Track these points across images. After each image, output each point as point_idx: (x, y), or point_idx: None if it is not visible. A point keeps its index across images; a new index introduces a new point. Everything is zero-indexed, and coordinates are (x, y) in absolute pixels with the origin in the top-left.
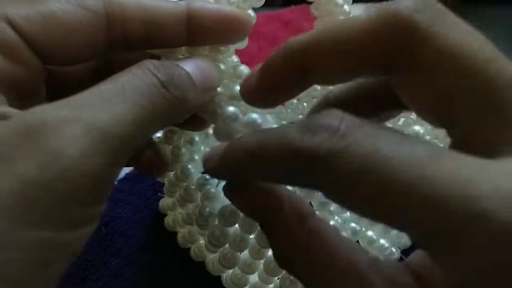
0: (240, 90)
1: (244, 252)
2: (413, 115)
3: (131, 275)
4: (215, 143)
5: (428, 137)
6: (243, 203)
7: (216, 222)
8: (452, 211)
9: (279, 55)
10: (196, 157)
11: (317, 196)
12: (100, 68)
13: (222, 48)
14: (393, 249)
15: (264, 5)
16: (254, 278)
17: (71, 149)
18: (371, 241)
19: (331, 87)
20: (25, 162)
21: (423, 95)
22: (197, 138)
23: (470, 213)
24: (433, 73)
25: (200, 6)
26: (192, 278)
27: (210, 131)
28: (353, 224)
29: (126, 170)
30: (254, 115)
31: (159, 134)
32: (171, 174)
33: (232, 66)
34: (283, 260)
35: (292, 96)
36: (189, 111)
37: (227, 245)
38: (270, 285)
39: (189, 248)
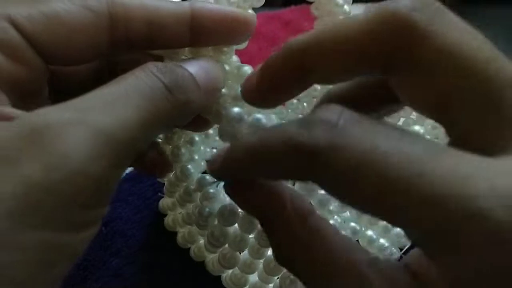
0: (241, 91)
1: (244, 252)
2: (413, 115)
3: (131, 275)
4: (215, 143)
5: (428, 137)
6: (245, 202)
7: (216, 222)
8: (451, 210)
9: (279, 55)
10: (196, 157)
11: (317, 195)
12: (102, 69)
13: (225, 49)
14: (393, 249)
15: (264, 5)
16: (254, 278)
17: (76, 152)
18: (371, 240)
19: (331, 86)
20: (30, 165)
21: (422, 95)
22: (197, 138)
23: (468, 212)
24: (432, 72)
25: (204, 7)
26: (192, 278)
27: (210, 131)
28: (352, 224)
29: (126, 170)
30: (259, 116)
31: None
32: (171, 174)
33: (236, 67)
34: (283, 259)
35: (293, 96)
36: (193, 113)
37: (226, 245)
38: (270, 285)
39: (189, 248)
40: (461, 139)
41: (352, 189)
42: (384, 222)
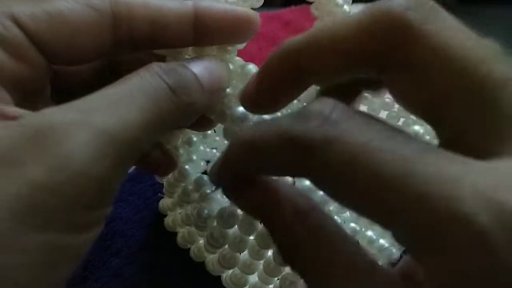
0: (241, 98)
1: (244, 253)
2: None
3: (131, 275)
4: (214, 143)
5: (428, 137)
6: (243, 202)
7: (215, 223)
8: (438, 212)
9: (275, 56)
10: (194, 158)
11: (316, 195)
12: (104, 68)
13: (229, 48)
14: (393, 249)
15: (264, 5)
16: (254, 278)
17: (79, 153)
18: (370, 241)
19: None
20: (33, 166)
21: (416, 94)
22: (195, 139)
23: (454, 215)
24: (426, 72)
25: (207, 5)
26: (192, 278)
27: (209, 131)
28: (352, 224)
29: None
30: (266, 116)
31: None
32: (170, 174)
33: (240, 66)
34: (284, 256)
35: (293, 98)
36: (197, 113)
37: (226, 246)
38: (270, 286)
39: (189, 249)
40: (451, 140)
41: (344, 184)
42: None
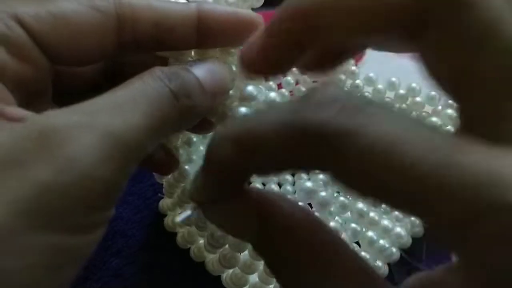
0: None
1: (244, 252)
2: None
3: (131, 275)
4: None
5: None
6: (228, 216)
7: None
8: (482, 201)
9: (289, 8)
10: (194, 158)
11: (317, 197)
12: (107, 70)
13: (232, 50)
14: (393, 250)
15: (264, 5)
16: (254, 278)
17: (86, 155)
18: (371, 241)
19: None
20: (41, 167)
21: (449, 66)
22: (195, 139)
23: (500, 203)
24: (467, 42)
25: (211, 8)
26: (192, 278)
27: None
28: (353, 225)
29: None
30: None
31: None
32: (170, 175)
33: None
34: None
35: (295, 62)
36: (198, 117)
37: (226, 246)
38: (270, 286)
39: (189, 248)
40: (476, 123)
41: (375, 177)
42: (385, 223)
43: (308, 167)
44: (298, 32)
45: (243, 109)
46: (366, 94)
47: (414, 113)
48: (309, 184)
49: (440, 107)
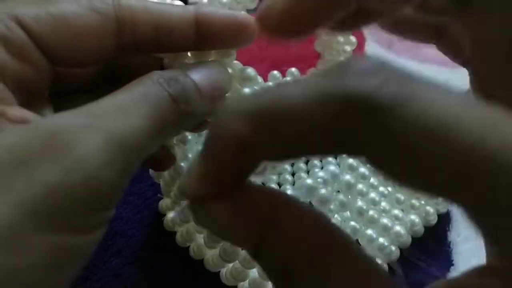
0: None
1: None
2: None
3: (131, 275)
4: None
5: None
6: (228, 216)
7: None
8: None
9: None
10: (190, 156)
11: (317, 194)
12: (104, 70)
13: (228, 52)
14: (393, 248)
15: None
16: (253, 273)
17: (92, 157)
18: (370, 239)
19: None
20: (48, 169)
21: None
22: (189, 137)
23: None
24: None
25: (208, 11)
26: (192, 278)
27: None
28: (352, 223)
29: None
30: None
31: None
32: (166, 174)
33: (240, 70)
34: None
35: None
36: (196, 121)
37: None
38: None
39: (189, 247)
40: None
41: (420, 153)
42: (384, 221)
43: (338, 147)
44: None
45: None
46: None
47: None
48: (309, 181)
49: None
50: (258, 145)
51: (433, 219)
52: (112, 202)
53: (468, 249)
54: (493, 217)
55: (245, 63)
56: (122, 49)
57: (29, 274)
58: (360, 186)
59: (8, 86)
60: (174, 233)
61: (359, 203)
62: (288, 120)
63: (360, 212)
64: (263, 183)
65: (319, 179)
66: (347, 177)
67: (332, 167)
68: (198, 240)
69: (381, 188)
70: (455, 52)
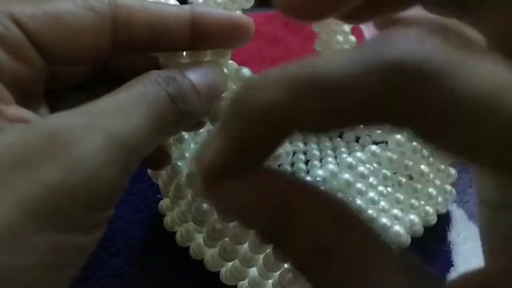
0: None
1: (244, 246)
2: None
3: (131, 275)
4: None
5: None
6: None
7: (214, 217)
8: None
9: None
10: (187, 155)
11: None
12: (97, 68)
13: (223, 52)
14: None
15: (264, 5)
16: (253, 272)
17: (92, 157)
18: None
19: None
20: (48, 168)
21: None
22: (186, 136)
23: None
24: None
25: (204, 11)
26: (192, 278)
27: (201, 129)
28: None
29: None
30: None
31: None
32: (164, 173)
33: (235, 69)
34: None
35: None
36: (193, 121)
37: (226, 238)
38: (269, 281)
39: (189, 247)
40: None
41: (484, 122)
42: (383, 221)
43: (382, 117)
44: None
45: None
46: None
47: None
48: (308, 179)
49: None
50: (294, 116)
51: (433, 219)
52: (112, 202)
53: (468, 249)
54: None
55: (245, 63)
56: (118, 48)
57: (29, 273)
58: (359, 185)
59: (5, 85)
60: (174, 233)
61: (358, 202)
62: (331, 90)
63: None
64: None
65: (318, 178)
66: (346, 176)
67: (331, 166)
68: (197, 240)
69: (380, 188)
70: None
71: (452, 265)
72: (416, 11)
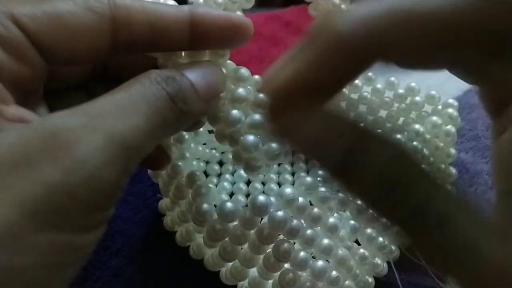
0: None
1: (244, 247)
2: (413, 114)
3: (131, 275)
4: (204, 140)
5: (428, 136)
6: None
7: (214, 217)
8: None
9: (329, 47)
10: (187, 155)
11: (318, 192)
12: (95, 67)
13: (221, 52)
14: (392, 247)
15: (264, 5)
16: (253, 272)
17: (92, 157)
18: (370, 238)
19: None
20: (49, 168)
21: None
22: (186, 136)
23: None
24: None
25: (203, 11)
26: (192, 278)
27: (201, 129)
28: (352, 222)
29: None
30: (257, 116)
31: None
32: (164, 174)
33: (233, 70)
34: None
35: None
36: (192, 121)
37: (226, 239)
38: (269, 281)
39: (189, 247)
40: None
41: None
42: (384, 220)
43: (482, 45)
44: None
45: (235, 111)
46: (365, 94)
47: (413, 112)
48: (309, 179)
49: (440, 107)
50: (389, 43)
51: None
52: (112, 202)
53: None
54: None
55: (245, 63)
56: (117, 48)
57: (29, 273)
58: None
59: (5, 85)
60: (174, 233)
61: (359, 201)
62: (430, 17)
63: (360, 211)
64: (263, 183)
65: (318, 178)
66: None
67: None
68: (197, 240)
69: None
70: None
71: None
72: None
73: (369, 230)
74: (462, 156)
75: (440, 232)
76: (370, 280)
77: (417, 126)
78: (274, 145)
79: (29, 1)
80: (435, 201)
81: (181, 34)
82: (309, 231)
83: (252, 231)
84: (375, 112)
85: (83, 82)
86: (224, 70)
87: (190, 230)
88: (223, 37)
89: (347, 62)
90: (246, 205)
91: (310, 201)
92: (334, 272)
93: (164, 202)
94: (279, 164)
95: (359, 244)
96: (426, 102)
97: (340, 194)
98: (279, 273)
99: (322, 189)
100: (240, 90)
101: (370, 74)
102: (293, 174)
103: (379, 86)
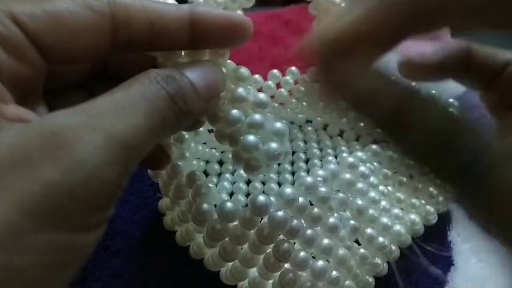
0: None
1: (244, 246)
2: None
3: (131, 275)
4: (206, 139)
5: None
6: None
7: (214, 217)
8: None
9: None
10: (187, 154)
11: (318, 193)
12: (95, 66)
13: (221, 51)
14: (393, 247)
15: (264, 4)
16: (253, 272)
17: (92, 156)
18: (370, 238)
19: None
20: (48, 168)
21: None
22: (186, 136)
23: None
24: None
25: (203, 10)
26: (192, 277)
27: (201, 129)
28: (352, 222)
29: None
30: (257, 116)
31: None
32: (164, 173)
33: (233, 69)
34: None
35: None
36: (192, 120)
37: (226, 239)
38: (269, 281)
39: (189, 247)
40: None
41: None
42: (384, 221)
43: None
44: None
45: (234, 111)
46: None
47: None
48: (309, 179)
49: None
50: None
51: (433, 219)
52: (112, 202)
53: (468, 249)
54: None
55: (245, 62)
56: (117, 47)
57: (29, 273)
58: (360, 185)
59: (4, 84)
60: (174, 232)
61: (359, 202)
62: None
63: (360, 211)
64: (263, 182)
65: (318, 178)
66: (347, 176)
67: (332, 166)
68: (197, 240)
69: (381, 187)
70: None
71: (452, 265)
72: None
73: (369, 230)
74: None
75: (490, 181)
76: (370, 280)
77: None
78: (274, 145)
79: (28, 0)
80: (483, 155)
81: (181, 33)
82: (309, 231)
83: (252, 231)
84: None
85: (83, 81)
86: (224, 70)
87: (190, 230)
88: (223, 36)
89: (407, 18)
90: (246, 205)
91: (310, 201)
92: (334, 272)
93: (164, 202)
94: (279, 164)
95: (359, 244)
96: None
97: (340, 195)
98: (279, 273)
99: (322, 189)
100: (240, 90)
101: None
102: (293, 174)
103: None
